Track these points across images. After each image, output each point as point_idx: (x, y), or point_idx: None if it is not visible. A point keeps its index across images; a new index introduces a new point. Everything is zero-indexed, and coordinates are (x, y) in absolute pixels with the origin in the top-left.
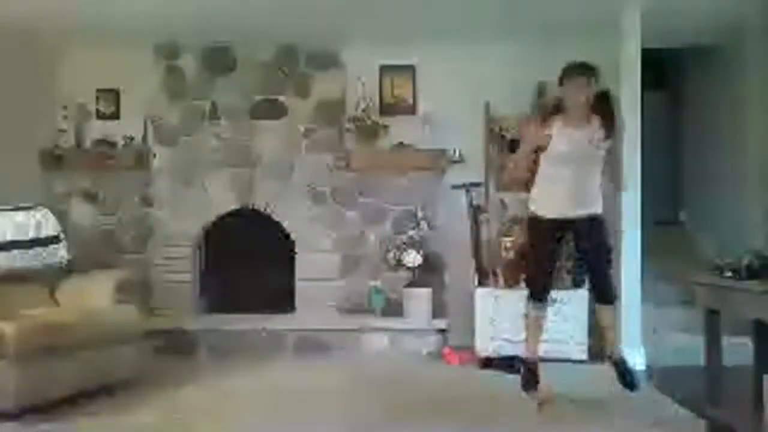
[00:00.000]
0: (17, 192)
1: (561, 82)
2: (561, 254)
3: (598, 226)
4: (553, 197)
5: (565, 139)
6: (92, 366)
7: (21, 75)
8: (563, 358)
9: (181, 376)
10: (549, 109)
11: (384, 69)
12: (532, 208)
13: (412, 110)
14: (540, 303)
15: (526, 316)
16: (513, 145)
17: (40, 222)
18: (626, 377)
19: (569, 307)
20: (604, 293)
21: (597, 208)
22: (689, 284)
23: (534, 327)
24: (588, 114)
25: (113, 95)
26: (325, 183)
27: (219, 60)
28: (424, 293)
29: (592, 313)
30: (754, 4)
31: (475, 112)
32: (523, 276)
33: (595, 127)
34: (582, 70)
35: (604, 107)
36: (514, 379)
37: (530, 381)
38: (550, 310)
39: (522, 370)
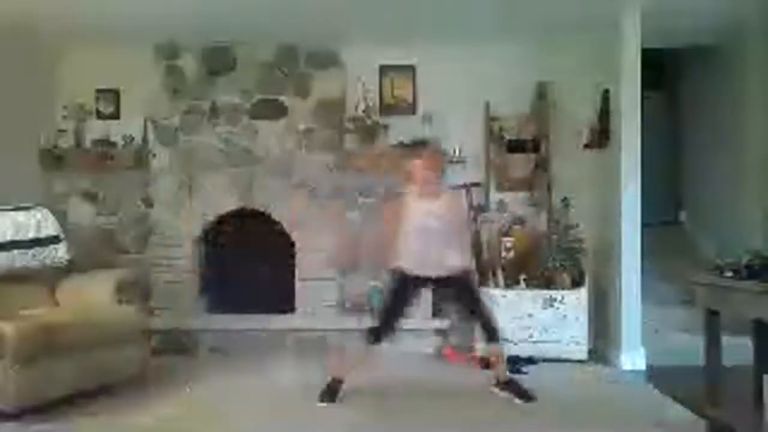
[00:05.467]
0: (17, 192)
1: None
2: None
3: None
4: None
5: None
6: (92, 366)
7: (21, 75)
8: (563, 358)
9: (181, 376)
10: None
11: (384, 69)
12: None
13: (412, 110)
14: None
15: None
16: (512, 145)
17: (40, 222)
18: (522, 392)
19: (569, 307)
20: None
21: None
22: (689, 284)
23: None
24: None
25: (113, 95)
26: (325, 183)
27: (219, 60)
28: (424, 293)
29: (591, 314)
30: (754, 4)
31: (475, 112)
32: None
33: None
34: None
35: None
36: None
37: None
38: (550, 311)
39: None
